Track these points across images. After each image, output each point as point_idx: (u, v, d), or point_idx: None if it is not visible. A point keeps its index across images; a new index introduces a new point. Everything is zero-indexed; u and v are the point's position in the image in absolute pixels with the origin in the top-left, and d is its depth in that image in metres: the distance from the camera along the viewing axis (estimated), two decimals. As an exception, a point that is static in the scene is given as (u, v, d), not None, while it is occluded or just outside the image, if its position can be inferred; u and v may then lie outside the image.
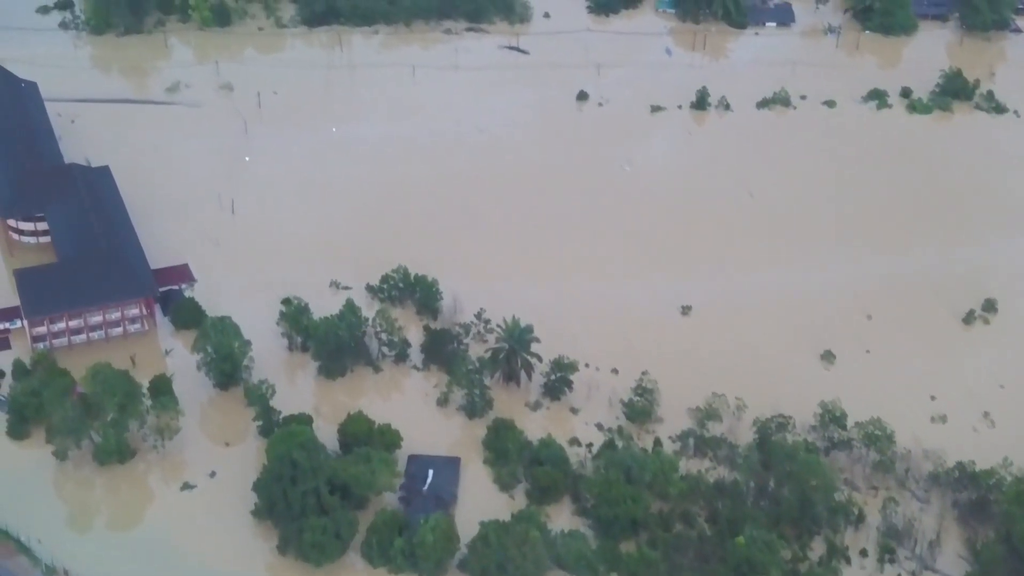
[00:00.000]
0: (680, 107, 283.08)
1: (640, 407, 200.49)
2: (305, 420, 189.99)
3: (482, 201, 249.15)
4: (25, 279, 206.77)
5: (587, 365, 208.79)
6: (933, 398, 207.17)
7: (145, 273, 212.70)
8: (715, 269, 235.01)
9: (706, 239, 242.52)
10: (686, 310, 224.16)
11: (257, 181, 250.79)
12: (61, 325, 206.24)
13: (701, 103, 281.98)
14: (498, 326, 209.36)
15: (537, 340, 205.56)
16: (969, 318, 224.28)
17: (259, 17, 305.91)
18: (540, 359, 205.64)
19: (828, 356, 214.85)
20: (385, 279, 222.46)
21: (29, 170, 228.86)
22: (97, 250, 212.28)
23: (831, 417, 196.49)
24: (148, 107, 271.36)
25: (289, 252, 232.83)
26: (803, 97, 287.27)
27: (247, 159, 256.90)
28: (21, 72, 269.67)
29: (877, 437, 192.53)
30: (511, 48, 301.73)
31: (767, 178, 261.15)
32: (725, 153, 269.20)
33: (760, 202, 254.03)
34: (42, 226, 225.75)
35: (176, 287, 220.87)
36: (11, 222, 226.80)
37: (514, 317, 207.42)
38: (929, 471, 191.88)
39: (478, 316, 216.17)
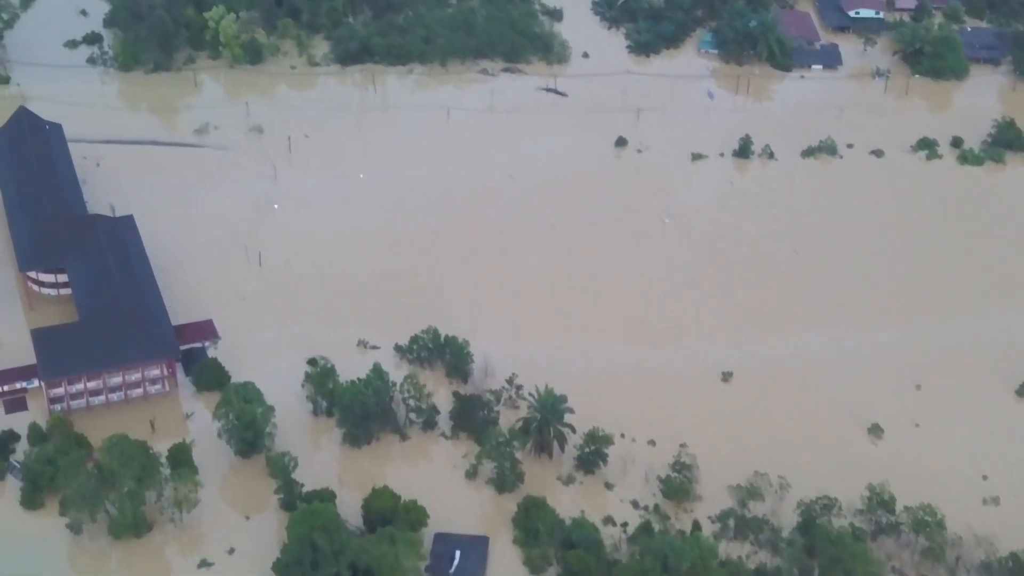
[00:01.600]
0: (722, 155, 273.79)
1: (678, 484, 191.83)
2: (328, 497, 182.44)
3: (514, 255, 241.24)
4: (42, 339, 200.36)
5: (623, 435, 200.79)
6: (985, 478, 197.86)
7: (167, 333, 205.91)
8: (757, 332, 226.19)
9: (748, 299, 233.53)
10: (727, 376, 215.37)
11: (286, 230, 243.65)
12: (79, 386, 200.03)
13: (744, 151, 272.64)
14: (530, 394, 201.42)
15: (571, 411, 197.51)
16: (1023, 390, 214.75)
17: (291, 55, 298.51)
18: (574, 430, 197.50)
19: (875, 430, 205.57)
20: (414, 340, 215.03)
21: (51, 221, 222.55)
22: (118, 308, 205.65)
23: (879, 501, 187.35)
24: (176, 150, 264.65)
25: (316, 307, 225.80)
26: (850, 146, 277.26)
27: (276, 207, 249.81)
28: (47, 110, 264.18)
29: (927, 523, 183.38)
30: (549, 90, 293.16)
31: (812, 233, 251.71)
32: (768, 205, 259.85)
33: (804, 259, 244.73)
34: (63, 277, 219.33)
35: (200, 345, 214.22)
36: (31, 273, 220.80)
37: (547, 386, 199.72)
38: (981, 559, 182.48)
39: (510, 381, 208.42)
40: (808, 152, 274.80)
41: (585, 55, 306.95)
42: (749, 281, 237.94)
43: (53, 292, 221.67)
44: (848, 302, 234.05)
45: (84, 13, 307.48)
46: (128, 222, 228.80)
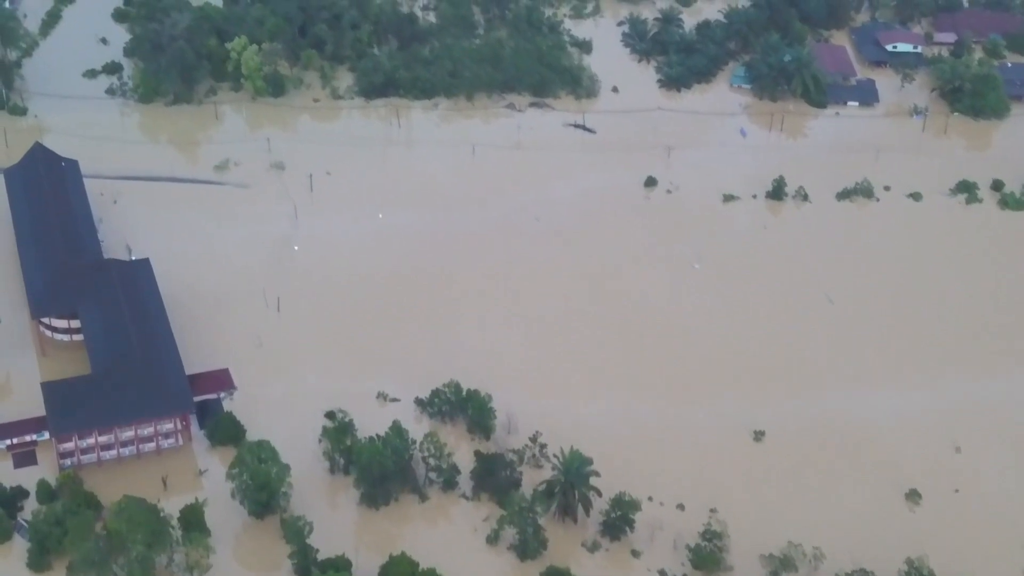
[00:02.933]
0: (754, 196, 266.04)
1: (708, 554, 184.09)
2: (343, 565, 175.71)
3: (538, 301, 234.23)
4: (53, 394, 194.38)
5: (650, 498, 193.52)
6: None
7: (181, 387, 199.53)
8: (790, 387, 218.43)
9: (781, 352, 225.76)
10: (758, 436, 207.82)
11: (305, 274, 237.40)
12: (90, 441, 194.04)
13: (777, 192, 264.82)
14: (555, 455, 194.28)
15: (596, 473, 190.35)
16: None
17: (315, 87, 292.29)
18: (599, 493, 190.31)
19: (913, 496, 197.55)
20: (435, 394, 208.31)
21: (65, 266, 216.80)
22: (131, 360, 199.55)
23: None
24: (195, 187, 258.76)
25: (335, 355, 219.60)
26: (887, 188, 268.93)
27: (296, 248, 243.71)
28: (64, 143, 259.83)
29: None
30: (577, 126, 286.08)
31: (847, 281, 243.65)
32: (802, 251, 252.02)
33: (839, 309, 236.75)
34: (76, 322, 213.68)
35: (215, 395, 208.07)
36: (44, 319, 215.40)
37: (572, 448, 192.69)
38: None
39: (533, 439, 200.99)
40: (843, 194, 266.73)
41: (615, 89, 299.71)
42: (781, 332, 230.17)
43: (66, 338, 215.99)
44: (884, 356, 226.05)
45: (104, 41, 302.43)
46: (144, 266, 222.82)
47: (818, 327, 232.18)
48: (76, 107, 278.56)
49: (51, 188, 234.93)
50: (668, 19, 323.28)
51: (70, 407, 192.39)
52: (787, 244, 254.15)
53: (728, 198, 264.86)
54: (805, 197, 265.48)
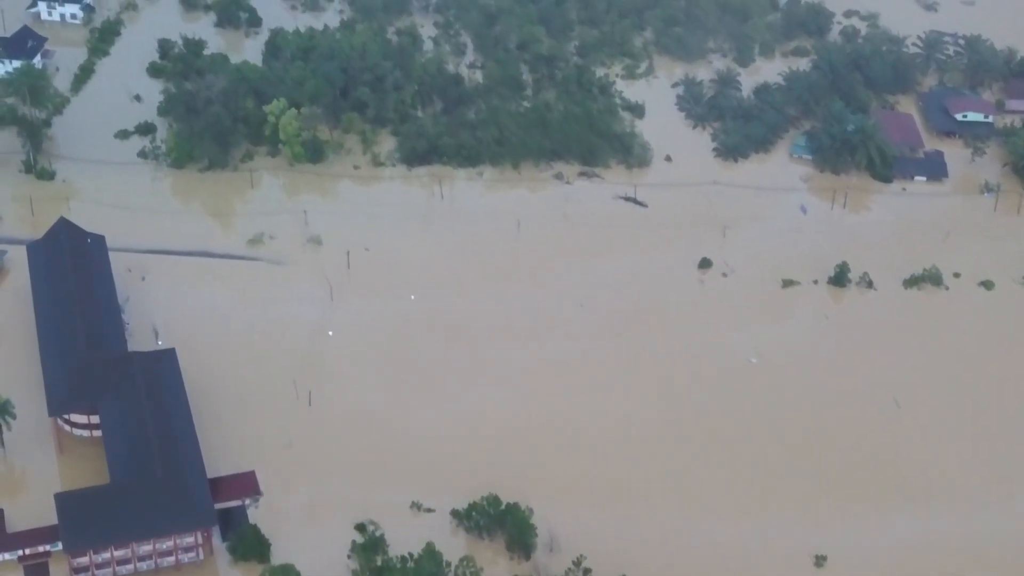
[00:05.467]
0: (815, 282, 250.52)
1: None
2: None
3: (583, 401, 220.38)
4: (67, 506, 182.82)
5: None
6: None
7: (204, 499, 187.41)
8: (853, 505, 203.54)
9: (843, 463, 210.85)
10: (820, 561, 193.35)
11: (339, 363, 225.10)
12: (106, 555, 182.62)
13: (840, 278, 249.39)
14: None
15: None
16: None
17: (355, 152, 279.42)
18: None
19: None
20: (472, 507, 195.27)
21: (86, 360, 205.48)
22: (151, 469, 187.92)
23: None
24: (227, 262, 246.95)
25: (367, 458, 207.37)
26: (956, 275, 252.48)
27: (330, 334, 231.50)
28: (92, 212, 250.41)
29: None
30: (628, 199, 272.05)
31: (915, 380, 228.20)
32: (866, 345, 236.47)
33: (907, 412, 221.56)
34: (96, 418, 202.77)
35: (240, 502, 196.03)
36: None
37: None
38: None
39: (577, 563, 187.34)
40: (911, 281, 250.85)
41: (668, 158, 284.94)
42: (844, 440, 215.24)
43: (86, 433, 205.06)
44: (959, 470, 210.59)
45: (138, 99, 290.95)
46: (169, 357, 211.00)
47: (885, 434, 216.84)
48: (106, 172, 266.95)
49: (75, 268, 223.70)
50: (725, 81, 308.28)
51: (85, 521, 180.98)
52: (850, 337, 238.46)
53: (788, 283, 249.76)
54: (870, 284, 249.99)
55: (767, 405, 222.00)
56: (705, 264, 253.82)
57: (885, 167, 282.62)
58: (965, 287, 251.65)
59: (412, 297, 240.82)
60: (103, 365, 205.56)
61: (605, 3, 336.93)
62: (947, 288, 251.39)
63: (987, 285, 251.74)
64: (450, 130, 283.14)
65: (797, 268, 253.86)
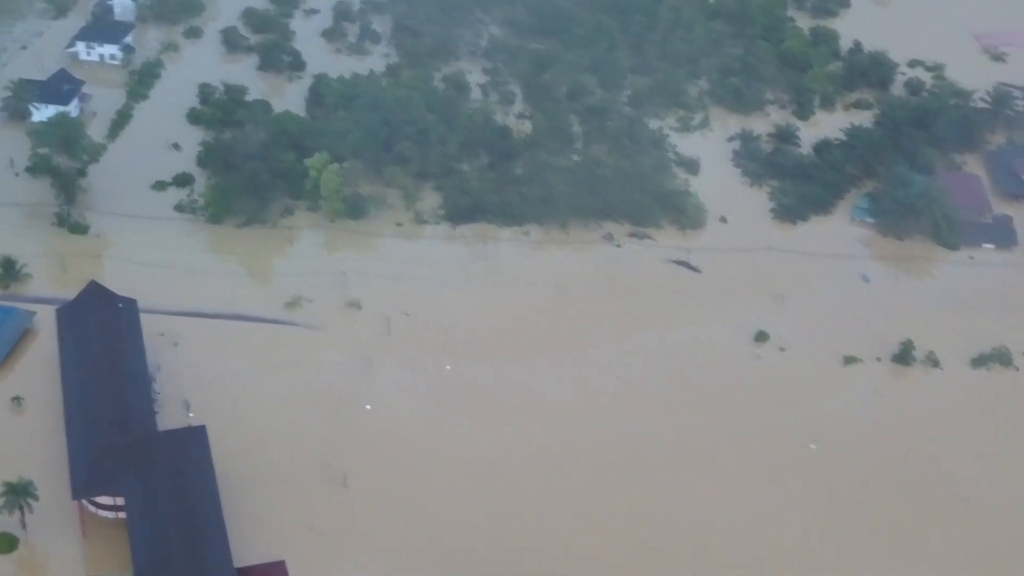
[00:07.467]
0: (878, 359, 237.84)
1: None
2: None
3: (625, 487, 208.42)
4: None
5: None
6: None
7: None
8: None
9: (911, 565, 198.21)
10: None
11: (376, 440, 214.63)
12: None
13: (904, 356, 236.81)
14: None
15: None
16: None
17: (398, 208, 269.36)
18: None
19: None
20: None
21: (112, 441, 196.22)
22: (175, 562, 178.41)
23: None
24: (263, 327, 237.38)
25: (402, 547, 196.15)
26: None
27: (368, 407, 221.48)
28: (124, 270, 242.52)
29: None
30: (680, 263, 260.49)
31: (983, 472, 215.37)
32: (932, 431, 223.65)
33: (976, 508, 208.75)
34: (122, 499, 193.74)
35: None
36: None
37: None
38: None
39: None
40: (979, 361, 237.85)
41: (723, 219, 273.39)
42: (910, 539, 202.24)
43: (111, 515, 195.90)
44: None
45: (176, 147, 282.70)
46: (199, 436, 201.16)
47: (951, 533, 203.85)
48: (142, 226, 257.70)
49: (105, 336, 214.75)
50: (784, 136, 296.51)
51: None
52: (914, 422, 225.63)
53: (849, 360, 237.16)
54: (936, 363, 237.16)
55: (828, 497, 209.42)
56: (762, 337, 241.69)
57: (950, 233, 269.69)
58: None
59: (448, 368, 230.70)
60: (131, 445, 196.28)
61: (659, 51, 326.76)
62: (1017, 369, 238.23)
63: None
64: (496, 186, 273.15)
65: (858, 343, 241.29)
